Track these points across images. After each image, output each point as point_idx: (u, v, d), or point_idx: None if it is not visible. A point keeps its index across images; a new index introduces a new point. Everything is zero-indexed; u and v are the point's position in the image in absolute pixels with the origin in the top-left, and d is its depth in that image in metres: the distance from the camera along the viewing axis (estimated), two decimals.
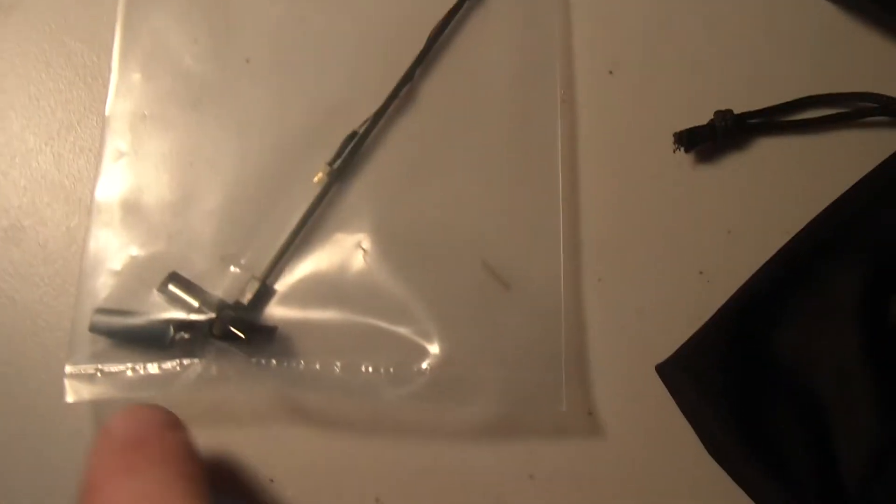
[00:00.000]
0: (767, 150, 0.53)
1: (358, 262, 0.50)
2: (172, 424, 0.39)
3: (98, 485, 0.35)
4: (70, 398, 0.46)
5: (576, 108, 0.53)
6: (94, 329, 0.47)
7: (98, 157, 0.51)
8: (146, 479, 0.37)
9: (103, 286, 0.48)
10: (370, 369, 0.47)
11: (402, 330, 0.48)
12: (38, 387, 0.49)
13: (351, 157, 0.51)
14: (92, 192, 0.51)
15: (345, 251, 0.50)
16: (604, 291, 0.50)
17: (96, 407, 0.47)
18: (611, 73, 0.54)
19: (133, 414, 0.38)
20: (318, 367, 0.47)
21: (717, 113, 0.52)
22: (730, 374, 0.47)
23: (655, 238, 0.51)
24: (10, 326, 0.50)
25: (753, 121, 0.52)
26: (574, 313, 0.50)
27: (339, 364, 0.47)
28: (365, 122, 0.51)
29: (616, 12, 0.55)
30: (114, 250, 0.49)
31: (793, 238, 0.49)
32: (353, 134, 0.50)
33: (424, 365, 0.47)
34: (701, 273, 0.51)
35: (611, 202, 0.52)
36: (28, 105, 0.54)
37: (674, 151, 0.52)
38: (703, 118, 0.52)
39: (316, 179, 0.50)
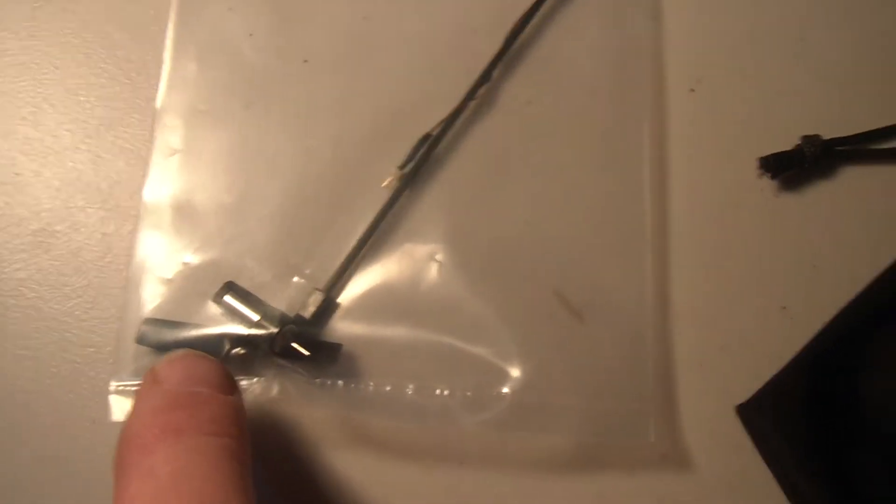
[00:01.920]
0: (856, 178, 0.50)
1: (431, 275, 0.46)
2: (227, 386, 0.36)
3: (146, 445, 0.33)
4: (115, 416, 0.42)
5: (662, 126, 0.50)
6: (142, 341, 0.43)
7: (147, 155, 0.47)
8: (192, 449, 0.34)
9: (152, 295, 0.44)
10: (445, 392, 0.43)
11: (480, 350, 0.44)
12: (66, 405, 0.45)
13: (423, 161, 0.47)
14: (135, 194, 0.48)
15: (416, 263, 0.46)
16: (685, 324, 0.47)
17: None
18: (692, 90, 0.51)
19: (186, 364, 0.36)
20: (388, 389, 0.43)
21: (805, 138, 0.49)
22: (812, 418, 0.44)
23: (738, 269, 0.48)
24: (37, 339, 0.46)
25: (842, 147, 0.49)
26: (658, 345, 0.46)
27: (411, 387, 0.43)
28: (439, 124, 0.47)
29: (703, 26, 0.52)
30: (164, 256, 0.45)
31: (881, 273, 0.47)
32: (427, 136, 0.47)
33: (504, 389, 0.43)
34: (784, 308, 0.47)
35: (692, 230, 0.48)
36: (65, 99, 0.50)
37: (759, 177, 0.49)
38: (788, 143, 0.49)
39: (385, 184, 0.47)
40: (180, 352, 0.37)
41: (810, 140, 0.49)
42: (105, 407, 0.42)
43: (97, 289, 0.47)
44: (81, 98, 0.50)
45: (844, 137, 0.49)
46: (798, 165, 0.49)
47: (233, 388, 0.36)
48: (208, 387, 0.35)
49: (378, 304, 0.45)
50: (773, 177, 0.49)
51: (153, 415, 0.34)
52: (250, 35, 0.50)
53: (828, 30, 0.52)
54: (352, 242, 0.46)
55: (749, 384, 0.45)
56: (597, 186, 0.48)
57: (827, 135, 0.49)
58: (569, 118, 0.49)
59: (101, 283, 0.47)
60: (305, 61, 0.50)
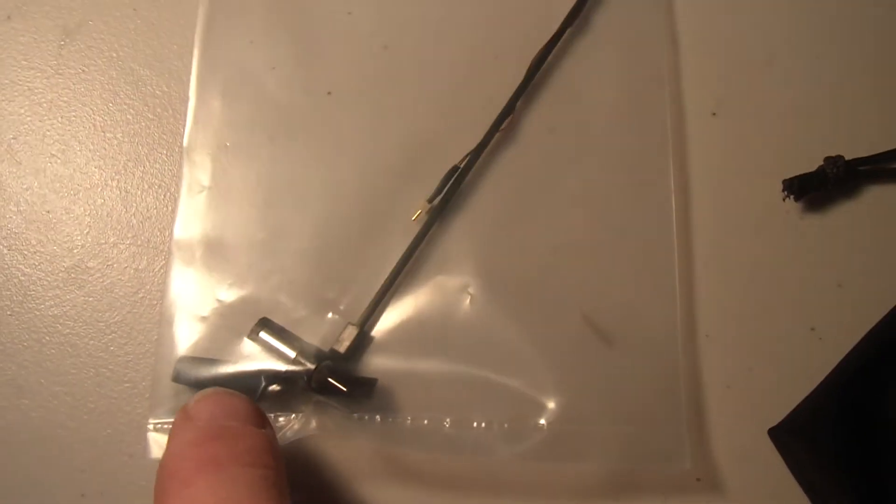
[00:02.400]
0: (880, 198, 0.50)
1: (464, 307, 0.46)
2: (258, 419, 0.37)
3: (186, 477, 0.33)
4: (154, 453, 0.42)
5: (685, 151, 0.50)
6: (178, 379, 0.43)
7: (175, 190, 0.48)
8: (232, 479, 0.34)
9: (187, 333, 0.45)
10: (483, 425, 0.43)
11: (515, 382, 0.45)
12: (104, 440, 0.45)
13: (452, 193, 0.47)
14: (165, 229, 0.48)
15: (448, 295, 0.46)
16: (712, 348, 0.47)
17: None
18: (714, 114, 0.51)
19: (217, 400, 0.37)
20: (425, 422, 0.43)
21: (828, 159, 0.49)
22: (845, 440, 0.44)
23: (764, 291, 0.48)
24: (74, 376, 0.46)
25: (865, 167, 0.49)
26: (689, 369, 0.47)
27: (448, 420, 0.43)
28: (466, 156, 0.47)
29: (721, 50, 0.52)
30: (197, 293, 0.45)
31: None
32: (455, 169, 0.47)
33: (542, 420, 0.44)
34: (813, 329, 0.47)
35: (718, 253, 0.49)
36: (93, 136, 0.51)
37: (783, 199, 0.49)
38: (812, 164, 0.49)
39: (415, 218, 0.47)
40: (209, 390, 0.37)
41: (833, 161, 0.49)
42: (143, 442, 0.43)
43: (131, 324, 0.47)
44: (109, 135, 0.51)
45: (867, 157, 0.50)
46: (822, 187, 0.49)
47: (264, 422, 0.37)
48: (239, 421, 0.36)
49: (412, 337, 0.46)
50: (797, 199, 0.49)
51: (190, 448, 0.34)
52: (273, 68, 0.50)
53: (846, 48, 0.52)
54: (384, 276, 0.46)
55: (780, 406, 0.46)
56: (623, 212, 0.48)
57: (849, 155, 0.49)
58: (592, 146, 0.49)
59: (135, 319, 0.47)
60: (329, 93, 0.50)
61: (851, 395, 0.45)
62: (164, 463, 0.34)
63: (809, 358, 0.47)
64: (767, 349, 0.47)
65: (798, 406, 0.45)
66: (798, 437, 0.45)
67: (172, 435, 0.36)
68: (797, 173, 0.49)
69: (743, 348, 0.47)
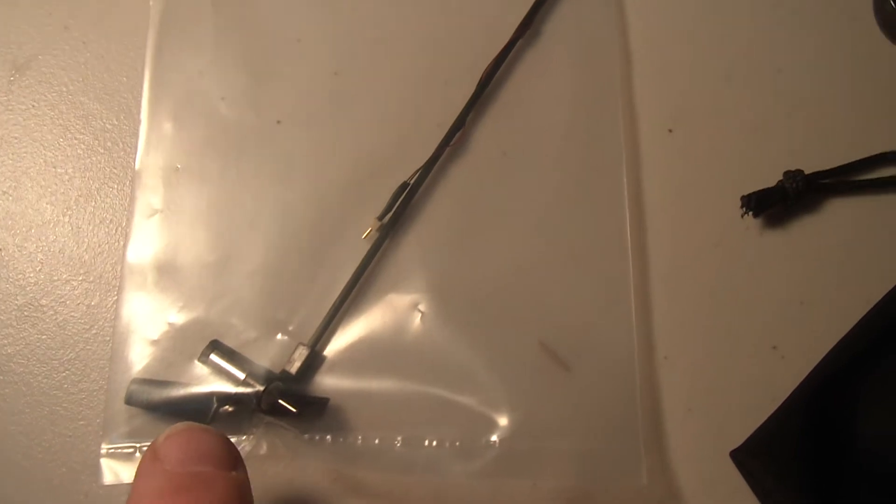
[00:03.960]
0: (841, 212, 0.53)
1: (415, 325, 0.50)
2: (230, 460, 0.37)
3: None
4: (107, 479, 0.45)
5: (640, 169, 0.54)
6: (131, 401, 0.47)
7: (127, 225, 0.52)
8: None
9: (139, 356, 0.48)
10: (434, 443, 0.47)
11: (467, 399, 0.48)
12: (59, 478, 0.49)
13: (402, 210, 0.51)
14: (117, 264, 0.52)
15: (400, 313, 0.50)
16: (671, 370, 0.50)
17: None
18: (670, 131, 0.55)
19: (188, 439, 0.37)
20: (377, 441, 0.47)
21: (787, 173, 0.52)
22: (807, 461, 0.46)
23: (724, 310, 0.51)
24: (28, 414, 0.49)
25: (825, 181, 0.52)
26: (647, 389, 0.50)
27: (400, 438, 0.47)
28: (416, 172, 0.51)
29: (677, 65, 0.56)
30: (149, 316, 0.49)
31: (872, 309, 0.49)
32: (405, 185, 0.51)
33: (493, 437, 0.47)
34: (775, 348, 0.50)
35: (676, 272, 0.52)
36: (44, 172, 0.55)
37: (742, 216, 0.52)
38: (771, 179, 0.52)
39: (365, 236, 0.51)
40: (180, 426, 0.37)
41: (792, 175, 0.52)
42: (97, 474, 0.46)
43: (85, 361, 0.51)
44: (60, 170, 0.55)
45: (826, 171, 0.53)
46: (781, 202, 0.52)
47: (236, 463, 0.37)
48: (211, 464, 0.36)
49: (363, 356, 0.49)
50: (756, 214, 0.52)
51: (155, 499, 0.35)
52: (222, 98, 0.54)
53: (804, 63, 0.56)
54: (335, 295, 0.49)
55: (742, 426, 0.48)
56: (576, 231, 0.52)
57: (809, 169, 0.52)
58: (545, 164, 0.53)
59: (89, 356, 0.51)
60: (278, 122, 0.54)
61: (816, 413, 0.47)
62: None
63: (772, 377, 0.49)
64: (728, 370, 0.50)
65: (760, 427, 0.47)
66: (760, 458, 0.47)
67: (138, 476, 0.36)
68: (756, 189, 0.52)
69: (703, 369, 0.50)
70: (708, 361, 0.50)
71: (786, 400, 0.48)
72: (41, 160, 0.54)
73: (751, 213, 0.51)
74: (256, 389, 0.46)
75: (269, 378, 0.47)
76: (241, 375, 0.47)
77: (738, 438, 0.47)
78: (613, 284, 0.50)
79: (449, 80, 0.54)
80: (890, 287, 0.49)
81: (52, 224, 0.53)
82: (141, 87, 0.54)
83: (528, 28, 0.55)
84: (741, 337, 0.50)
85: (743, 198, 0.51)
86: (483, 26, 0.55)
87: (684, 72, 0.55)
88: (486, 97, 0.54)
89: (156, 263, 0.50)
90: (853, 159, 0.52)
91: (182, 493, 0.35)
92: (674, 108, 0.55)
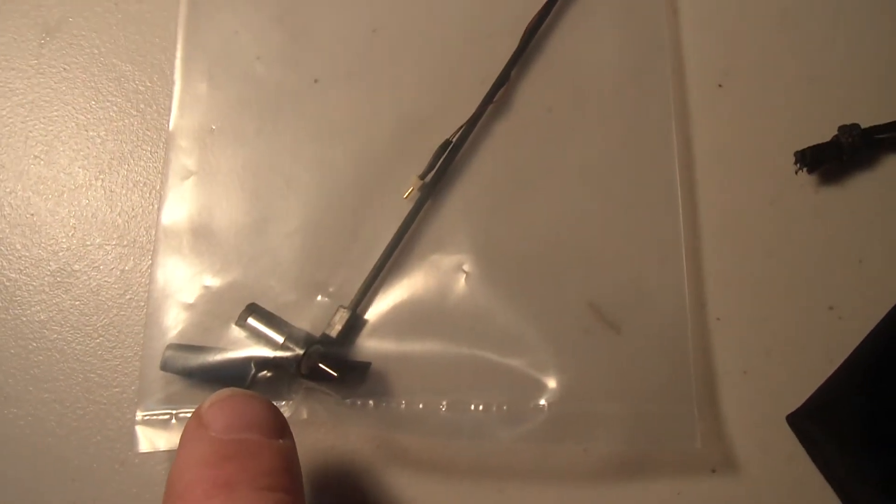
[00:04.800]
0: None
1: (459, 286, 0.48)
2: (278, 429, 0.36)
3: (197, 502, 0.33)
4: (143, 447, 0.44)
5: (690, 124, 0.52)
6: (166, 367, 0.45)
7: (160, 186, 0.51)
8: None
9: (174, 321, 0.47)
10: (481, 407, 0.45)
11: (514, 362, 0.46)
12: (94, 447, 0.48)
13: (444, 168, 0.49)
14: (151, 228, 0.51)
15: (443, 274, 0.48)
16: (724, 331, 0.49)
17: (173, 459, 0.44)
18: (720, 85, 0.53)
19: (234, 406, 0.36)
20: (420, 406, 0.45)
21: (842, 128, 0.50)
22: (868, 426, 0.45)
23: (778, 270, 0.49)
24: (62, 382, 0.48)
25: (882, 136, 0.50)
26: (699, 351, 0.48)
27: (444, 403, 0.45)
28: (458, 130, 0.49)
29: (727, 15, 0.54)
30: (184, 280, 0.48)
31: None
32: (447, 143, 0.49)
33: (542, 401, 0.45)
34: (831, 308, 0.49)
35: (729, 230, 0.50)
36: (76, 135, 0.53)
37: (796, 172, 0.50)
38: (826, 134, 0.50)
39: (406, 195, 0.49)
40: (226, 391, 0.36)
41: (848, 129, 0.50)
42: (132, 442, 0.45)
43: (119, 327, 0.49)
44: (92, 133, 0.53)
45: (884, 125, 0.51)
46: (837, 158, 0.50)
47: (284, 432, 0.36)
48: (258, 432, 0.35)
49: (406, 318, 0.48)
50: (811, 171, 0.50)
51: (201, 467, 0.34)
52: (258, 58, 0.53)
53: (862, 10, 0.54)
54: (376, 256, 0.48)
55: (798, 389, 0.47)
56: (625, 190, 0.50)
57: (865, 123, 0.50)
58: (591, 121, 0.51)
59: (123, 322, 0.50)
60: (316, 81, 0.52)
61: (876, 375, 0.46)
62: (172, 479, 0.34)
63: (829, 339, 0.48)
64: (784, 331, 0.48)
65: (817, 390, 0.46)
66: (818, 423, 0.45)
67: (183, 444, 0.35)
68: (810, 144, 0.50)
69: (758, 331, 0.48)
70: (762, 322, 0.48)
71: (844, 362, 0.46)
72: (73, 123, 0.53)
73: (805, 168, 0.50)
74: (296, 353, 0.45)
75: (309, 342, 0.45)
76: (280, 339, 0.45)
77: (795, 402, 0.46)
78: (664, 244, 0.48)
79: (492, 33, 0.52)
80: None
81: (84, 188, 0.52)
82: (174, 47, 0.52)
83: None
84: (797, 297, 0.49)
85: (797, 153, 0.50)
86: None
87: (733, 23, 0.54)
88: (530, 51, 0.52)
89: (191, 226, 0.49)
90: None
91: (228, 461, 0.34)
92: (723, 62, 0.53)
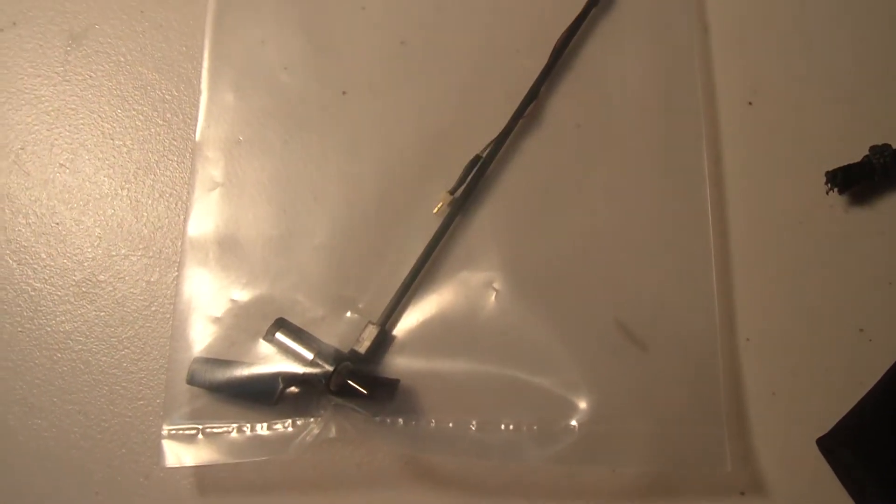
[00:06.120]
0: None
1: (489, 303, 0.47)
2: None
3: None
4: (169, 461, 0.43)
5: (720, 142, 0.51)
6: (193, 381, 0.44)
7: (186, 197, 0.50)
8: None
9: (201, 334, 0.46)
10: (511, 427, 0.44)
11: (543, 381, 0.45)
12: (118, 460, 0.47)
13: (474, 184, 0.48)
14: (177, 239, 0.50)
15: (473, 291, 0.47)
16: (754, 352, 0.47)
17: (199, 474, 0.44)
18: (750, 103, 0.52)
19: None
20: (450, 425, 0.44)
21: (873, 148, 0.49)
22: None
23: (808, 291, 0.48)
24: (87, 393, 0.47)
25: None
26: (729, 372, 0.47)
27: (475, 422, 0.44)
28: (488, 145, 0.48)
29: (756, 34, 0.53)
30: (211, 293, 0.47)
31: None
32: (477, 158, 0.48)
33: (572, 422, 0.44)
34: (861, 330, 0.48)
35: (758, 250, 0.49)
36: (102, 144, 0.52)
37: (827, 193, 0.49)
38: (856, 154, 0.49)
39: (436, 210, 0.48)
40: None
41: (879, 150, 0.49)
42: (158, 456, 0.44)
43: (144, 339, 0.48)
44: (118, 142, 0.52)
45: None
46: (867, 178, 0.49)
47: None
48: None
49: (435, 336, 0.47)
50: (842, 191, 0.49)
51: None
52: (285, 68, 0.52)
53: (890, 30, 0.53)
54: (405, 272, 0.47)
55: (828, 411, 0.46)
56: (655, 208, 0.49)
57: None
58: (621, 138, 0.50)
59: (148, 334, 0.48)
60: (344, 93, 0.52)
61: None
62: None
63: (859, 361, 0.47)
64: (814, 353, 0.47)
65: (848, 413, 0.45)
66: (849, 447, 0.44)
67: None
68: (841, 164, 0.49)
69: (787, 352, 0.48)
70: (792, 344, 0.47)
71: (875, 385, 0.45)
72: (99, 132, 0.52)
73: (836, 189, 0.48)
74: (325, 369, 0.44)
75: (338, 358, 0.44)
76: (310, 355, 0.44)
77: (824, 424, 0.45)
78: (693, 262, 0.47)
79: (520, 48, 0.52)
80: None
81: (110, 197, 0.51)
82: (201, 56, 0.52)
83: None
84: (826, 319, 0.48)
85: (828, 173, 0.49)
86: None
87: (763, 41, 0.53)
88: (560, 67, 0.51)
89: (217, 238, 0.48)
90: None
91: None
92: (753, 80, 0.52)
